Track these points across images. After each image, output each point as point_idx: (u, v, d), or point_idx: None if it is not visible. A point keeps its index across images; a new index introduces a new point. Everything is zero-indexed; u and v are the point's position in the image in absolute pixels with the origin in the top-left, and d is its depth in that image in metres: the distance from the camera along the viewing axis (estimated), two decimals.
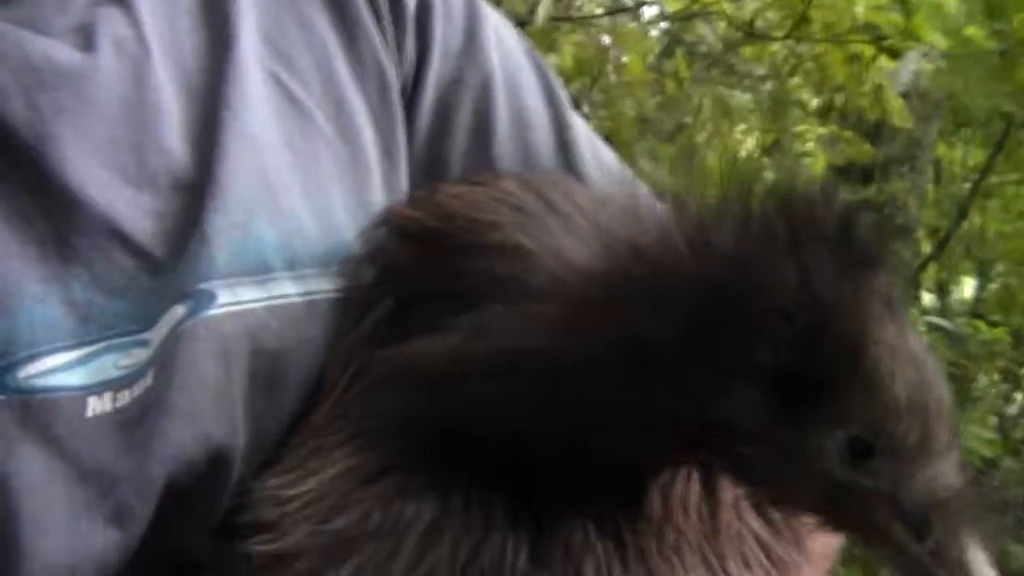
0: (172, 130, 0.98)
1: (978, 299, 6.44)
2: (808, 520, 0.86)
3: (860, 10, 2.83)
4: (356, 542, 0.86)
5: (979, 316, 5.96)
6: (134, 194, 0.94)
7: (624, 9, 3.44)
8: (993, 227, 6.08)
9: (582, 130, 1.25)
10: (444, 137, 1.16)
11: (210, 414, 0.91)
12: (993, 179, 5.70)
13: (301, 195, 1.01)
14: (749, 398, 0.79)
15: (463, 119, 1.16)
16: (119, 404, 0.90)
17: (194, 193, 0.96)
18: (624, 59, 3.00)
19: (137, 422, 0.90)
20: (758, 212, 0.81)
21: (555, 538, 0.87)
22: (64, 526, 0.86)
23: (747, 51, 3.42)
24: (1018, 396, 5.67)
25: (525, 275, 0.90)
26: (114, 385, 0.91)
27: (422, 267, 0.98)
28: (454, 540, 0.86)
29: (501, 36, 1.22)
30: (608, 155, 1.25)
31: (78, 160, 0.93)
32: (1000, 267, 6.39)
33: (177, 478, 0.89)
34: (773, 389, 0.78)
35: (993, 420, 5.28)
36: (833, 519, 0.84)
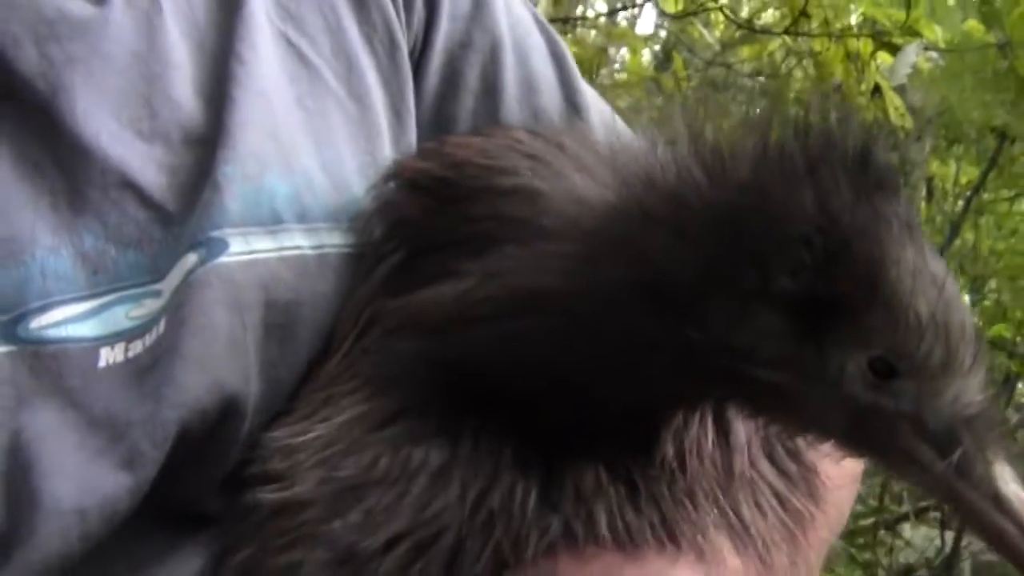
0: (183, 84, 0.97)
1: None
2: (830, 447, 0.85)
3: (859, 6, 2.84)
4: (364, 488, 0.86)
5: None
6: (146, 147, 0.94)
7: (622, 9, 3.44)
8: (986, 244, 6.08)
9: (591, 95, 1.24)
10: (452, 99, 1.16)
11: (223, 362, 0.90)
12: (986, 196, 5.71)
13: (312, 151, 1.01)
14: (770, 324, 0.78)
15: (471, 81, 1.16)
16: (131, 354, 0.90)
17: (206, 145, 0.95)
18: (618, 60, 3.01)
19: (149, 370, 0.89)
20: (775, 140, 0.80)
21: (565, 482, 0.87)
22: (75, 472, 0.85)
23: (745, 50, 3.42)
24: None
25: (538, 216, 0.89)
26: (126, 336, 0.90)
27: (433, 217, 0.98)
28: (462, 484, 0.85)
29: (510, 2, 1.21)
30: (618, 121, 1.25)
31: (91, 112, 0.92)
32: (993, 284, 6.39)
33: (189, 425, 0.88)
34: (794, 314, 0.78)
35: None
36: (857, 443, 0.83)
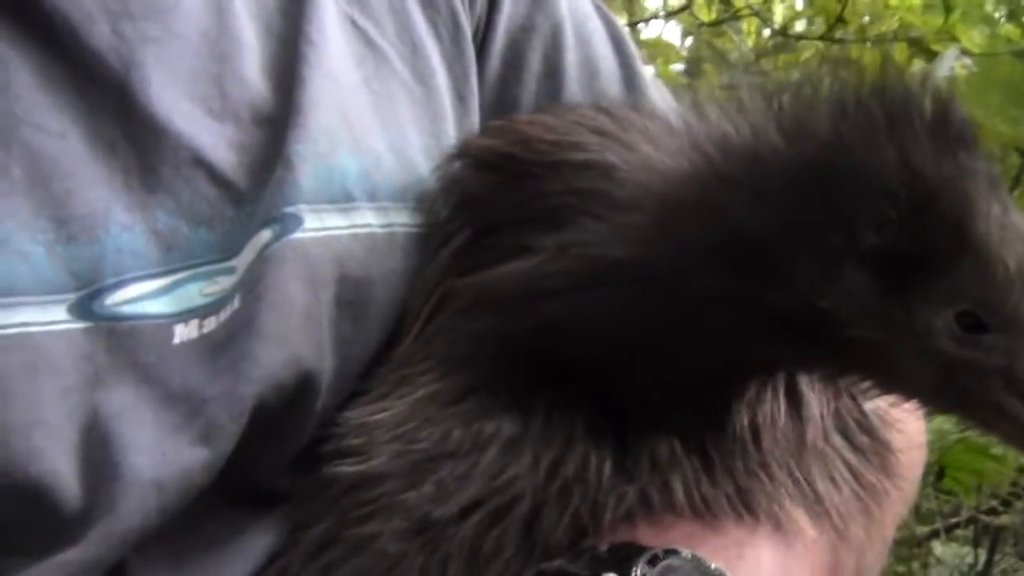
0: (253, 64, 0.98)
1: None
2: (916, 404, 0.84)
3: (896, 12, 2.84)
4: (437, 460, 0.87)
5: None
6: (217, 126, 0.95)
7: (653, 17, 3.45)
8: None
9: (651, 79, 1.25)
10: (514, 82, 1.17)
11: (299, 336, 0.91)
12: None
13: (379, 132, 1.02)
14: (857, 282, 0.78)
15: (533, 65, 1.17)
16: (205, 330, 0.91)
17: (276, 124, 0.96)
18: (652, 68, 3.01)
19: (225, 345, 0.90)
20: (853, 97, 0.81)
21: (640, 453, 0.87)
22: (153, 446, 0.86)
23: (781, 58, 3.42)
24: None
25: (611, 189, 0.90)
26: (200, 312, 0.91)
27: (500, 194, 0.98)
28: (535, 454, 0.86)
29: None
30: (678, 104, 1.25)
31: (164, 90, 0.93)
32: None
33: (266, 400, 0.88)
34: (880, 271, 0.78)
35: None
36: (946, 399, 0.83)
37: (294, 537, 0.91)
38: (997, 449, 2.86)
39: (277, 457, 0.94)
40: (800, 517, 0.90)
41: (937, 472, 3.20)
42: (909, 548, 3.93)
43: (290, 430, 0.92)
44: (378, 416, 0.90)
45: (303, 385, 0.91)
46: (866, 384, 0.87)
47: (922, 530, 4.37)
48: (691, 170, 0.85)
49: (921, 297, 0.78)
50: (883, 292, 0.78)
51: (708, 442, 0.89)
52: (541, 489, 0.85)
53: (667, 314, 0.85)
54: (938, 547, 4.44)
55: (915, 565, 3.98)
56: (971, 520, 4.50)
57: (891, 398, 0.89)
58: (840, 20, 2.90)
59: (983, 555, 4.37)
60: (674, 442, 0.88)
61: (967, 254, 0.78)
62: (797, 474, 0.92)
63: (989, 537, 4.52)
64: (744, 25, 3.42)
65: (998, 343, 0.78)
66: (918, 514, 4.14)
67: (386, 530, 0.86)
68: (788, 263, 0.80)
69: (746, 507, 0.89)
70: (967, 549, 4.50)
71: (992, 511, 4.25)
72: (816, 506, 0.91)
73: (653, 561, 0.81)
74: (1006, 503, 4.21)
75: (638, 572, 0.80)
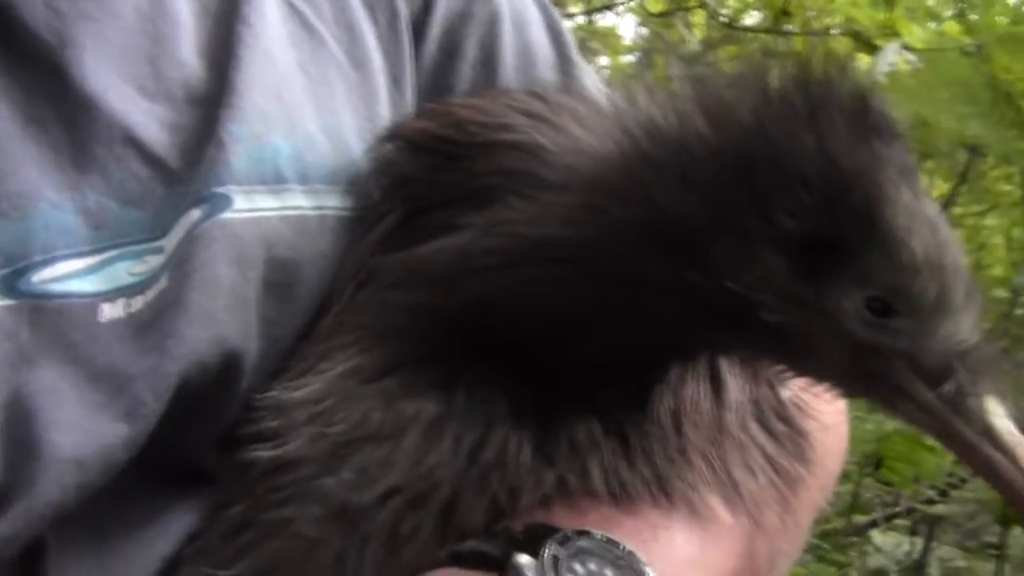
0: (188, 43, 0.98)
1: None
2: (827, 388, 0.86)
3: (840, 5, 2.88)
4: (356, 445, 0.87)
5: None
6: (150, 105, 0.95)
7: (603, 8, 3.47)
8: None
9: (586, 69, 1.26)
10: (450, 68, 1.17)
11: (225, 316, 0.91)
12: (956, 210, 5.76)
13: (313, 114, 1.02)
14: (773, 265, 0.81)
15: (470, 51, 1.18)
16: (132, 309, 0.91)
17: (210, 104, 0.96)
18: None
19: (151, 324, 0.90)
20: (775, 87, 0.83)
21: (560, 436, 0.88)
22: (75, 424, 0.86)
23: (727, 50, 3.45)
24: None
25: (541, 169, 0.91)
26: (127, 292, 0.91)
27: (432, 175, 0.99)
28: (456, 438, 0.87)
29: None
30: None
31: (98, 68, 0.93)
32: None
33: (190, 378, 0.89)
34: (796, 255, 0.80)
35: None
36: (855, 381, 0.85)
37: (213, 517, 0.92)
38: (933, 440, 2.90)
39: (201, 437, 0.94)
40: (715, 503, 0.91)
41: (876, 463, 3.24)
42: (848, 537, 3.98)
43: (214, 410, 0.92)
44: (296, 394, 0.90)
45: (228, 365, 0.91)
46: (782, 367, 0.89)
47: (862, 520, 4.42)
48: (619, 153, 0.87)
49: (833, 281, 0.81)
50: (797, 276, 0.80)
51: (628, 425, 0.90)
52: (460, 475, 0.86)
53: (592, 293, 0.86)
54: (877, 536, 4.50)
55: (854, 554, 4.03)
56: (910, 510, 4.56)
57: (806, 383, 0.90)
58: (785, 13, 2.93)
59: (921, 544, 4.44)
60: (594, 424, 0.89)
61: (877, 241, 0.80)
62: (714, 461, 0.92)
63: (926, 526, 4.59)
64: (693, 18, 3.44)
65: (904, 327, 0.81)
66: (858, 504, 4.19)
67: (303, 515, 0.86)
68: (709, 245, 0.81)
69: (662, 492, 0.90)
70: (906, 538, 4.57)
71: (930, 501, 4.31)
72: (731, 493, 0.92)
73: (565, 542, 0.82)
74: (943, 493, 4.28)
75: (549, 552, 0.81)
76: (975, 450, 0.81)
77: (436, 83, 1.16)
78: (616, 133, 0.89)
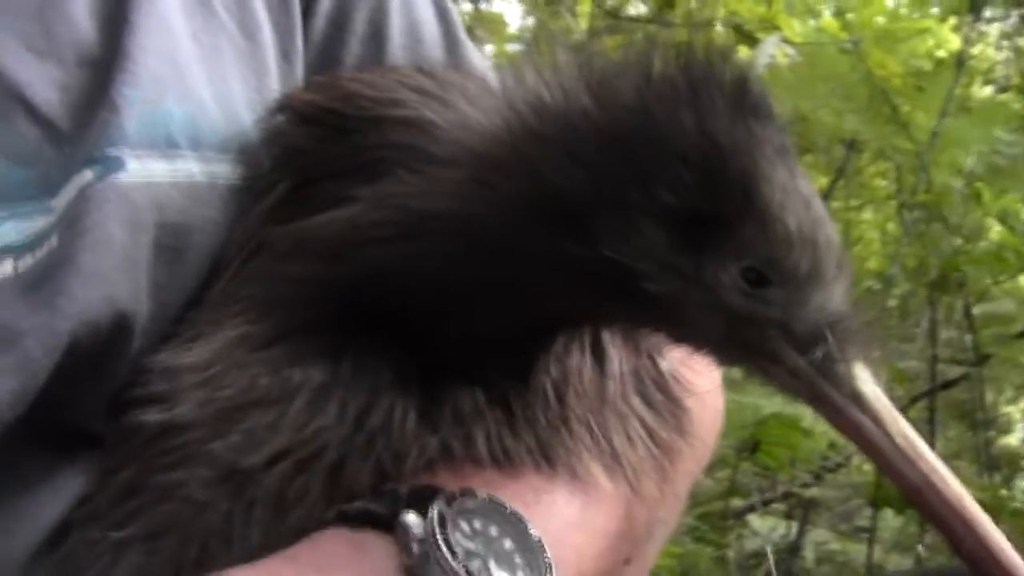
0: (80, 5, 0.97)
1: None
2: (706, 355, 0.90)
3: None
4: (244, 409, 0.88)
5: None
6: (39, 64, 0.94)
7: None
8: None
9: (473, 49, 1.28)
10: (339, 43, 1.18)
11: (116, 277, 0.91)
12: (834, 204, 5.89)
13: (205, 83, 1.02)
14: (654, 238, 0.83)
15: (358, 27, 1.19)
16: (21, 269, 0.90)
17: (102, 67, 0.96)
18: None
19: (42, 282, 0.89)
20: (659, 67, 0.86)
21: (444, 405, 0.90)
22: None
23: (612, 39, 3.48)
24: None
25: (430, 144, 0.92)
26: (15, 251, 0.90)
27: (321, 146, 1.00)
28: (341, 404, 0.88)
29: None
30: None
31: None
32: None
33: (80, 337, 0.88)
34: (676, 228, 0.83)
35: None
36: (731, 349, 0.89)
37: (103, 481, 0.92)
38: (808, 423, 2.98)
39: (91, 398, 0.94)
40: (596, 470, 0.94)
41: (753, 447, 3.32)
42: (725, 519, 4.06)
43: (104, 371, 0.92)
44: (186, 359, 0.91)
45: (118, 326, 0.91)
46: (662, 336, 0.92)
47: (739, 504, 4.52)
48: (507, 129, 0.88)
49: (711, 253, 0.84)
50: (677, 248, 0.83)
51: (512, 395, 0.92)
52: (347, 440, 0.88)
53: (479, 266, 0.88)
54: (755, 520, 4.60)
55: (732, 536, 4.11)
56: (786, 495, 4.67)
57: (684, 356, 0.94)
58: (669, 5, 2.98)
59: (796, 527, 4.55)
60: (478, 394, 0.91)
61: (753, 215, 0.83)
62: (595, 429, 0.95)
63: (801, 511, 4.70)
64: (579, 6, 3.48)
65: (778, 297, 0.85)
66: (736, 488, 4.29)
67: (192, 478, 0.87)
68: (593, 219, 0.84)
69: (545, 458, 0.92)
70: (782, 522, 4.68)
71: (805, 485, 4.42)
72: (612, 461, 0.95)
73: (451, 501, 0.84)
74: (818, 477, 4.39)
75: (435, 511, 0.82)
76: (842, 413, 0.85)
77: (325, 57, 1.17)
78: (504, 110, 0.91)
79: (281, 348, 0.90)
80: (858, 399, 0.85)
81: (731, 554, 3.98)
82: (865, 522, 4.61)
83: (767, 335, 0.85)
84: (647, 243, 0.83)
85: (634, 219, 0.84)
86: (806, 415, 2.93)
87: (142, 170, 0.94)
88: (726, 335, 0.86)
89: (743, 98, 0.86)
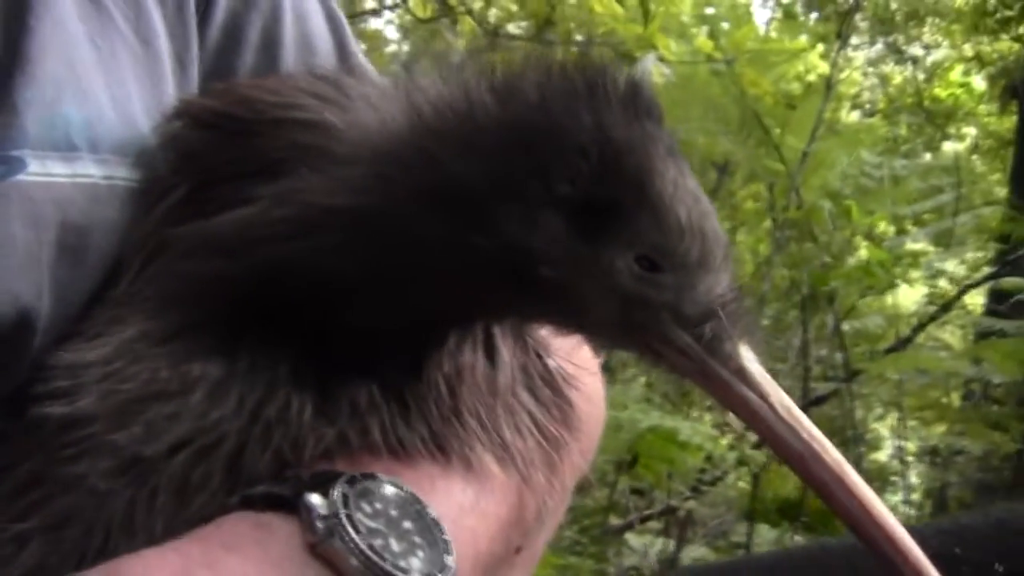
0: None
1: None
2: (601, 342, 0.95)
3: (601, 17, 2.99)
4: (145, 401, 0.89)
5: None
6: None
7: (371, 12, 3.50)
8: None
9: (364, 60, 1.30)
10: (233, 53, 1.19)
11: (19, 275, 0.92)
12: None
13: (103, 87, 1.02)
14: (553, 228, 0.88)
15: (252, 37, 1.20)
16: None
17: (1, 70, 0.96)
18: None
19: None
20: (558, 69, 0.91)
21: (340, 398, 0.93)
22: None
23: (492, 56, 3.51)
24: None
25: (330, 145, 0.95)
26: None
27: (220, 150, 1.01)
28: (239, 396, 0.90)
29: None
30: None
31: None
32: None
33: None
34: (573, 218, 0.88)
35: None
36: (626, 334, 0.94)
37: (1, 476, 0.91)
38: (685, 436, 3.04)
39: None
40: (488, 460, 0.98)
41: (631, 461, 3.37)
42: (603, 534, 4.11)
43: (5, 368, 0.92)
44: (88, 356, 0.91)
45: (21, 323, 0.91)
46: (554, 327, 0.96)
47: (618, 522, 4.58)
48: (407, 126, 0.92)
49: (607, 241, 0.89)
50: (575, 237, 0.88)
51: (406, 390, 0.95)
52: (245, 429, 0.90)
53: (379, 258, 0.91)
54: (632, 537, 4.68)
55: (611, 551, 4.17)
56: (664, 511, 4.76)
57: (570, 351, 0.99)
58: (549, 23, 3.03)
59: (673, 543, 4.63)
60: (373, 388, 0.93)
61: (646, 206, 0.89)
62: (487, 422, 0.99)
63: (677, 528, 4.79)
64: (460, 25, 3.52)
65: (669, 282, 0.90)
66: (614, 506, 4.35)
67: (94, 469, 0.87)
68: (493, 210, 0.88)
69: (439, 448, 0.95)
70: (659, 539, 4.76)
71: (686, 498, 4.51)
72: (503, 452, 0.99)
73: (353, 483, 0.86)
74: (695, 489, 4.47)
75: (338, 492, 0.85)
76: (729, 388, 0.91)
77: (219, 66, 1.18)
78: (405, 110, 0.94)
79: (180, 344, 0.91)
80: (742, 375, 0.90)
81: (611, 569, 4.03)
82: (741, 538, 4.71)
83: (659, 317, 0.90)
84: (546, 232, 0.87)
85: (534, 209, 0.88)
86: (683, 428, 3.00)
87: (43, 171, 0.95)
88: (620, 317, 0.91)
89: (636, 99, 0.91)
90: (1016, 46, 10.21)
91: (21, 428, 0.91)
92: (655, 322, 0.90)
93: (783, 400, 0.90)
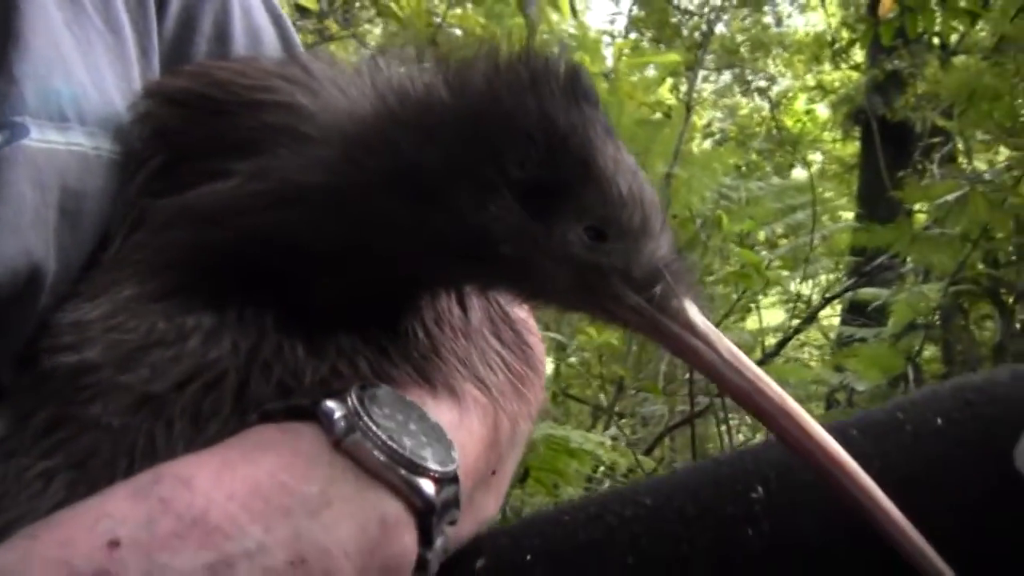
0: None
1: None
2: (560, 306, 1.05)
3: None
4: (146, 349, 0.97)
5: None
6: None
7: None
8: None
9: (300, 46, 1.42)
10: (188, 42, 1.28)
11: (30, 232, 0.98)
12: None
13: (83, 68, 1.10)
14: (506, 207, 0.96)
15: (205, 28, 1.30)
16: None
17: None
18: None
19: None
20: (505, 61, 1.00)
21: (327, 344, 1.01)
22: None
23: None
24: None
25: (302, 125, 1.03)
26: None
27: (193, 127, 1.09)
28: (233, 342, 0.98)
29: None
30: None
31: None
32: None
33: (3, 285, 0.95)
34: (525, 197, 0.97)
35: None
36: (578, 297, 1.03)
37: (19, 424, 0.96)
38: (576, 444, 3.11)
39: (2, 350, 0.99)
40: (469, 389, 1.08)
41: (523, 474, 3.44)
42: None
43: (16, 322, 0.99)
44: (90, 314, 0.98)
45: (32, 277, 0.98)
46: (518, 294, 1.06)
47: None
48: (373, 112, 1.01)
49: (558, 217, 0.97)
50: (528, 215, 0.96)
51: (387, 337, 1.05)
52: (244, 366, 0.97)
53: (348, 232, 1.00)
54: None
55: None
56: None
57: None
58: (434, 44, 3.12)
59: None
60: (355, 339, 1.02)
61: (590, 182, 0.98)
62: (464, 360, 1.09)
63: None
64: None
65: (616, 249, 0.99)
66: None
67: (109, 409, 0.94)
68: (453, 193, 0.96)
69: (425, 379, 1.05)
70: None
71: None
72: (479, 383, 1.09)
73: (364, 389, 0.96)
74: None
75: (353, 396, 0.94)
76: (679, 339, 1.00)
77: (175, 55, 1.26)
78: (371, 97, 1.03)
79: (171, 302, 0.99)
80: (690, 327, 0.99)
81: None
82: None
83: (611, 281, 0.99)
84: (502, 212, 0.96)
85: (489, 192, 0.96)
86: (573, 436, 3.09)
87: (43, 138, 1.02)
88: (576, 284, 1.00)
89: (576, 86, 1.00)
90: (855, 74, 10.61)
91: (31, 381, 0.97)
92: (607, 285, 0.99)
93: (728, 347, 0.99)
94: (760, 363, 4.89)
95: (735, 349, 1.00)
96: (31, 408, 0.96)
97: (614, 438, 3.47)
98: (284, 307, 1.00)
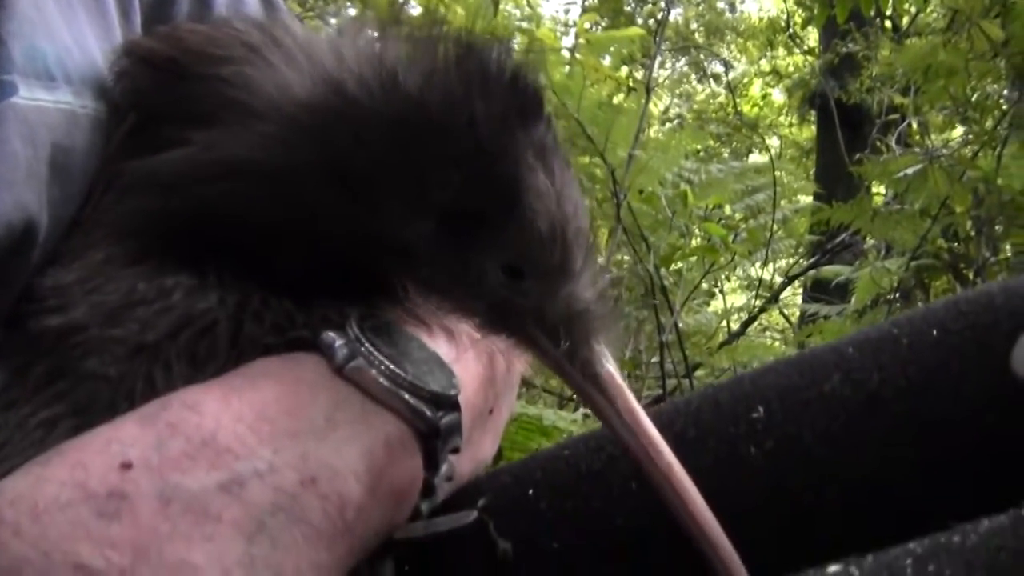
0: None
1: None
2: (479, 329, 1.03)
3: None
4: (130, 307, 0.97)
5: None
6: None
7: None
8: None
9: (292, 17, 1.43)
10: (170, 4, 1.32)
11: (25, 187, 0.99)
12: None
13: (66, 30, 1.13)
14: (424, 228, 0.95)
15: None
16: None
17: None
18: None
19: None
20: (440, 64, 0.95)
21: (313, 300, 1.02)
22: None
23: None
24: None
25: (249, 99, 1.01)
26: None
27: (163, 90, 1.09)
28: (220, 296, 0.99)
29: None
30: None
31: None
32: None
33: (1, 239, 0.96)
34: (444, 221, 0.95)
35: None
36: (494, 328, 1.02)
37: (17, 376, 0.97)
38: (549, 422, 3.11)
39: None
40: (464, 329, 1.08)
41: (496, 456, 3.42)
42: None
43: (12, 277, 0.99)
44: (67, 278, 0.99)
45: (27, 232, 1.00)
46: (442, 309, 1.05)
47: None
48: (311, 99, 0.98)
49: (477, 249, 0.96)
50: (446, 241, 0.95)
51: (374, 296, 1.05)
52: (235, 315, 0.98)
53: (286, 213, 0.99)
54: None
55: None
56: None
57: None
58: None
59: None
60: (341, 297, 1.03)
61: (512, 216, 0.95)
62: (429, 323, 1.08)
63: None
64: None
65: (532, 289, 0.97)
66: None
67: (104, 360, 0.95)
68: (378, 199, 0.95)
69: (418, 321, 1.05)
70: None
71: None
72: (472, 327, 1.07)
73: (363, 319, 0.97)
74: None
75: (353, 325, 0.96)
76: (582, 390, 0.99)
77: (157, 16, 1.29)
78: (315, 79, 1.00)
79: (147, 266, 0.99)
80: (594, 380, 0.98)
81: None
82: None
83: (524, 320, 0.99)
84: (420, 233, 0.95)
85: (411, 209, 0.94)
86: (546, 414, 3.09)
87: (31, 95, 1.04)
88: (490, 318, 1.00)
89: (513, 100, 0.96)
90: (810, 58, 10.68)
91: (22, 340, 0.98)
92: (521, 325, 0.99)
93: (628, 404, 0.97)
94: (724, 344, 4.91)
95: (635, 406, 0.98)
96: (28, 362, 0.97)
97: (586, 415, 3.46)
98: (264, 272, 1.00)
